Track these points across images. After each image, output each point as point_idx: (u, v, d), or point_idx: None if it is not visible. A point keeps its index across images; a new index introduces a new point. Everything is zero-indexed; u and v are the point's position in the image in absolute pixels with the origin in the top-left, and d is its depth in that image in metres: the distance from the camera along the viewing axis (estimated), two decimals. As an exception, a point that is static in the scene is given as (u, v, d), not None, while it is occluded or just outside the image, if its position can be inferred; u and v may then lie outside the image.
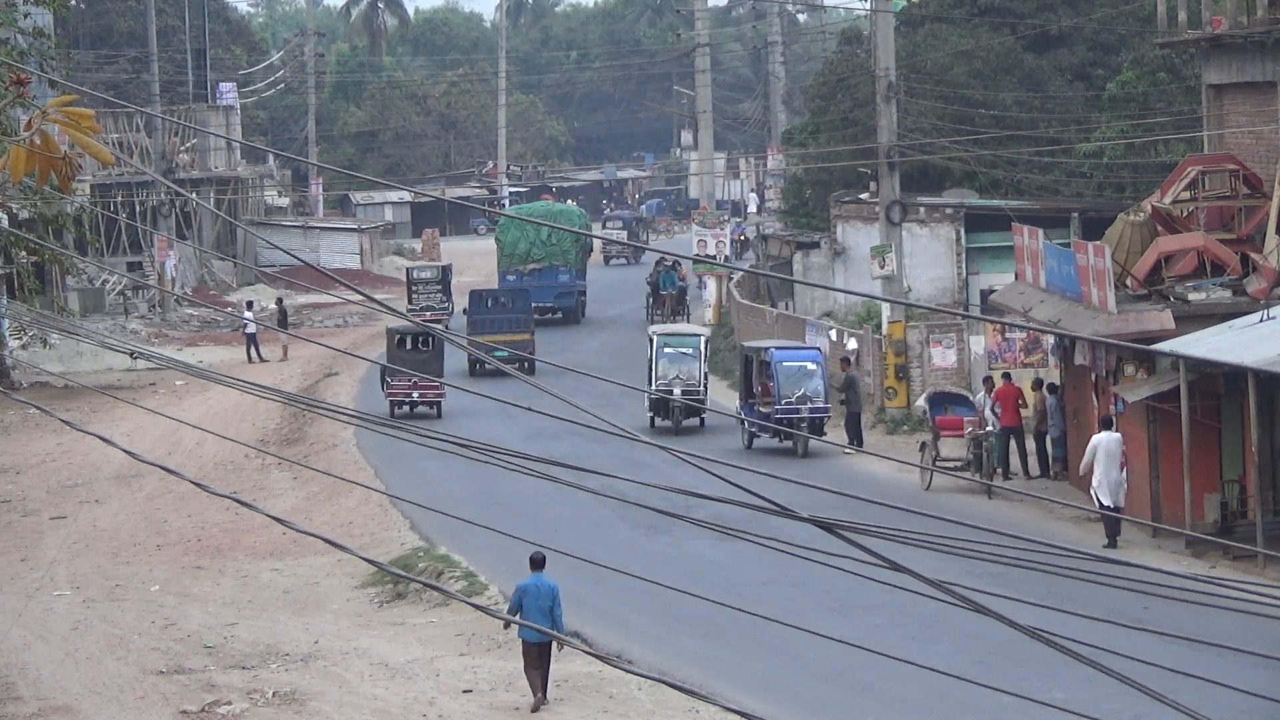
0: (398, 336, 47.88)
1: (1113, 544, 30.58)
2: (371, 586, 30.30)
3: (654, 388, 42.72)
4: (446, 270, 68.03)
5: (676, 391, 42.45)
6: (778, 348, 41.97)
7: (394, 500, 34.58)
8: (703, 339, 45.37)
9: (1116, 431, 31.51)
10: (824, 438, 39.38)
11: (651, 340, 44.74)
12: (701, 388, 43.67)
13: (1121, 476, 31.15)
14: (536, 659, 23.20)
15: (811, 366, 40.64)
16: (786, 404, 39.98)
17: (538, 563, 23.24)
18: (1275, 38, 35.40)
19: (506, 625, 24.71)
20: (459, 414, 44.88)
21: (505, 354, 44.95)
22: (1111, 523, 30.67)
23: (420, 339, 47.72)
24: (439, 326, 54.06)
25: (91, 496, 39.36)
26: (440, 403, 46.15)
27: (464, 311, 57.21)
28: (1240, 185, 34.56)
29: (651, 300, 65.61)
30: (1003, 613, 9.48)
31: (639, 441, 10.44)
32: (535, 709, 23.15)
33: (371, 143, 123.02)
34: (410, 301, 64.46)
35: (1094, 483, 31.14)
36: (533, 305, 57.76)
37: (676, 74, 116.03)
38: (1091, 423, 34.48)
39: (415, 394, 45.81)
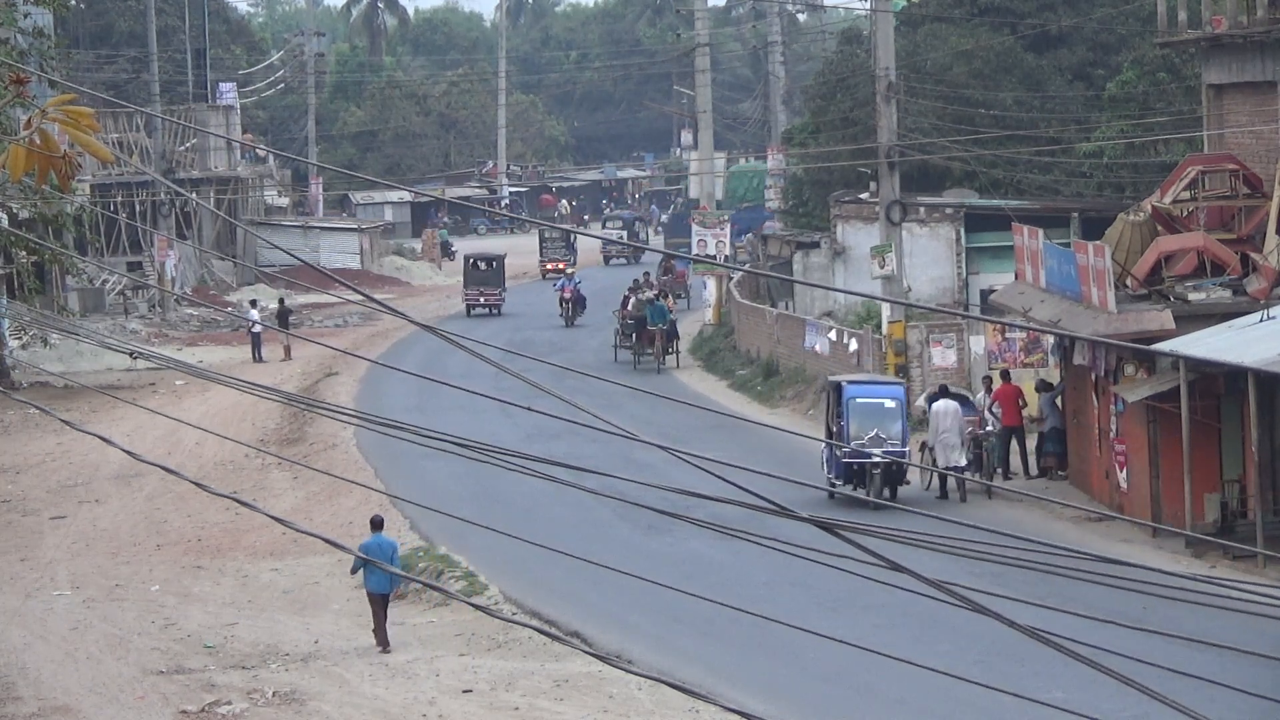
0: (471, 259, 73.66)
1: (945, 496, 34.95)
2: (371, 586, 30.30)
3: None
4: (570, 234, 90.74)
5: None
6: (850, 381, 36.35)
7: (394, 500, 34.58)
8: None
9: (953, 400, 35.79)
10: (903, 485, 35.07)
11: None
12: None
13: (966, 436, 35.36)
14: (380, 607, 26.52)
15: (890, 404, 34.93)
16: (857, 445, 34.18)
17: (377, 524, 27.34)
18: (1275, 38, 35.37)
19: (354, 571, 28.62)
20: (457, 410, 44.87)
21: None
22: (960, 481, 34.53)
23: (486, 260, 72.83)
24: (565, 272, 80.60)
25: (91, 496, 39.34)
26: (500, 305, 70.85)
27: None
28: (1240, 185, 34.52)
29: (635, 337, 55.54)
30: (1003, 613, 9.47)
31: (639, 441, 10.42)
32: (383, 651, 26.26)
33: (371, 143, 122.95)
34: (541, 254, 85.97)
35: (939, 452, 34.76)
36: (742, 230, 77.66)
37: (676, 74, 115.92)
38: (1092, 423, 34.51)
39: (482, 299, 70.32)
